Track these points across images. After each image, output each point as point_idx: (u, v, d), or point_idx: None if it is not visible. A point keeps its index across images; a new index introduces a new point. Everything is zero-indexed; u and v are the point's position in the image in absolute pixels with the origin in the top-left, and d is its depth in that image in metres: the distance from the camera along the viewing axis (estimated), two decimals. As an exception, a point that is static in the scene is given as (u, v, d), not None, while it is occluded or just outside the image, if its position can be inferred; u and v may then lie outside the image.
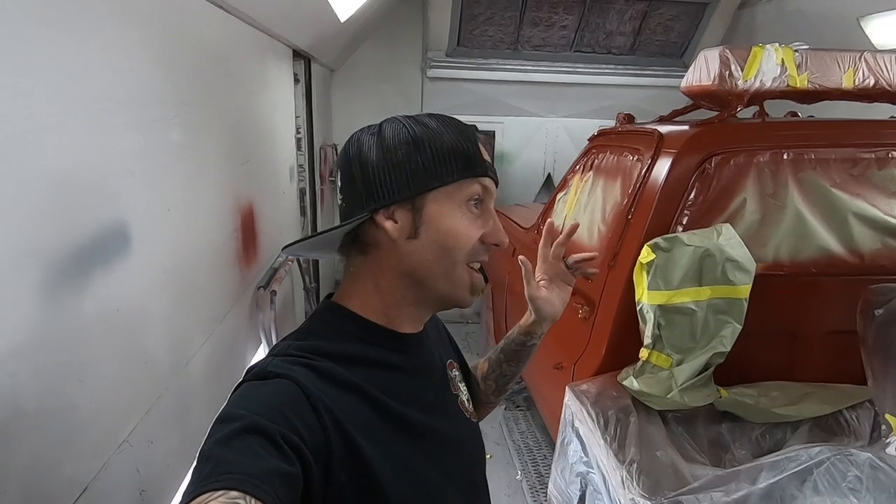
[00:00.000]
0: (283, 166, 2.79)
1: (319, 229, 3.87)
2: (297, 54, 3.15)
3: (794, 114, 2.27)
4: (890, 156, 1.62)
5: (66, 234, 0.95)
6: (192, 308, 1.53)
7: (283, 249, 0.72)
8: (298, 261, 2.73)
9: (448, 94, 4.39)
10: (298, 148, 3.24)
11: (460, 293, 0.67)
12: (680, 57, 4.44)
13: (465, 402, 0.78)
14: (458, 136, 0.66)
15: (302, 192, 3.28)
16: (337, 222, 0.67)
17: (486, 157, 0.68)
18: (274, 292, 2.14)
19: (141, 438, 1.20)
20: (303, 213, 3.32)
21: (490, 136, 4.69)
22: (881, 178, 1.60)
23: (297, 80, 3.28)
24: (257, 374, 0.59)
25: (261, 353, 2.18)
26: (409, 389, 0.67)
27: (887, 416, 1.31)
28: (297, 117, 3.22)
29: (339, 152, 0.64)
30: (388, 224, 0.64)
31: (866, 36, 3.19)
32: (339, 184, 0.69)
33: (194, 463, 0.49)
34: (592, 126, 4.95)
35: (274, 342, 2.15)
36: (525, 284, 0.86)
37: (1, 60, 0.80)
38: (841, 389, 1.49)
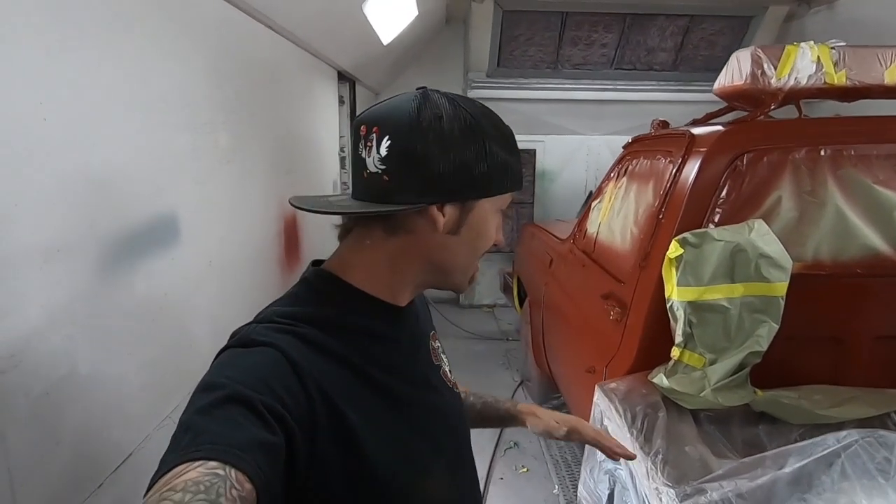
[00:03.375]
0: (326, 180, 2.93)
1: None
2: (343, 77, 3.31)
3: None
4: (940, 151, 1.55)
5: (121, 219, 1.05)
6: (234, 302, 1.62)
7: (289, 200, 0.70)
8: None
9: (489, 114, 4.47)
10: (343, 166, 3.38)
11: (467, 283, 0.70)
12: (725, 71, 4.36)
13: (448, 372, 0.77)
14: (510, 145, 0.66)
15: (345, 207, 3.41)
16: (353, 188, 0.64)
17: None
18: (314, 296, 2.23)
19: (183, 417, 1.28)
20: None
21: (531, 154, 4.72)
22: (930, 173, 1.53)
23: (342, 102, 3.44)
24: (241, 341, 0.57)
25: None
26: (396, 360, 0.66)
27: (941, 421, 1.23)
28: (341, 137, 3.38)
29: (401, 115, 0.58)
30: (439, 218, 0.61)
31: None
32: (386, 153, 0.59)
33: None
34: (636, 143, 4.93)
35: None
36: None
37: (65, 57, 0.91)
38: (890, 393, 1.41)
